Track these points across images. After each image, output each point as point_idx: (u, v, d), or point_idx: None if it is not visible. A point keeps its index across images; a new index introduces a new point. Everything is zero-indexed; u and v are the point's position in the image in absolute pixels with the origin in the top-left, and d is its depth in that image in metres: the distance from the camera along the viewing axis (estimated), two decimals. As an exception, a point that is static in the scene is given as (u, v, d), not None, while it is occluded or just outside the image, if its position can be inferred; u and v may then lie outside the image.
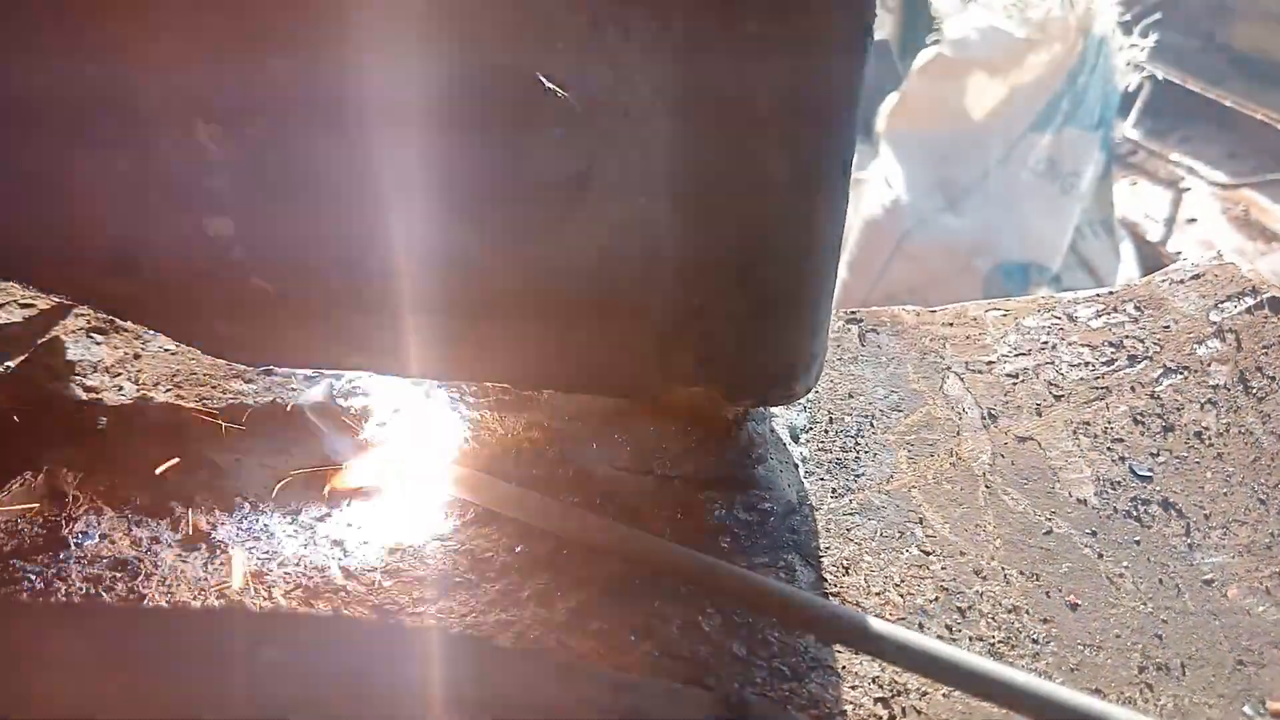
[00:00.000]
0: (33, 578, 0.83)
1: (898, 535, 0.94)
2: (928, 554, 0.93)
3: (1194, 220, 3.43)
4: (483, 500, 0.90)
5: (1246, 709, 0.83)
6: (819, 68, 0.73)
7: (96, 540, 0.87)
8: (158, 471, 0.91)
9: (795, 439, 1.03)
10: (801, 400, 1.02)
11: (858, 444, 1.02)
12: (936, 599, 0.89)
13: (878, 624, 0.78)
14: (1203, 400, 1.05)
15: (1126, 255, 3.24)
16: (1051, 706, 0.73)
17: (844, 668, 0.83)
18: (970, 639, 0.87)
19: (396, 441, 0.97)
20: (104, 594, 0.82)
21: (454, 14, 0.71)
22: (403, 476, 0.94)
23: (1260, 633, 0.88)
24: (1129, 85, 3.16)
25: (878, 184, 3.08)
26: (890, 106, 3.15)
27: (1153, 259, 3.23)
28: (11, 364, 1.00)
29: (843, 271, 3.11)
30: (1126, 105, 3.39)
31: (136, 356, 1.04)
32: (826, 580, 0.90)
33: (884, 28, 3.79)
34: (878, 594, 0.89)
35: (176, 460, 0.92)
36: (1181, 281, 1.17)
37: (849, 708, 0.81)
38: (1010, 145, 2.99)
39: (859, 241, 3.07)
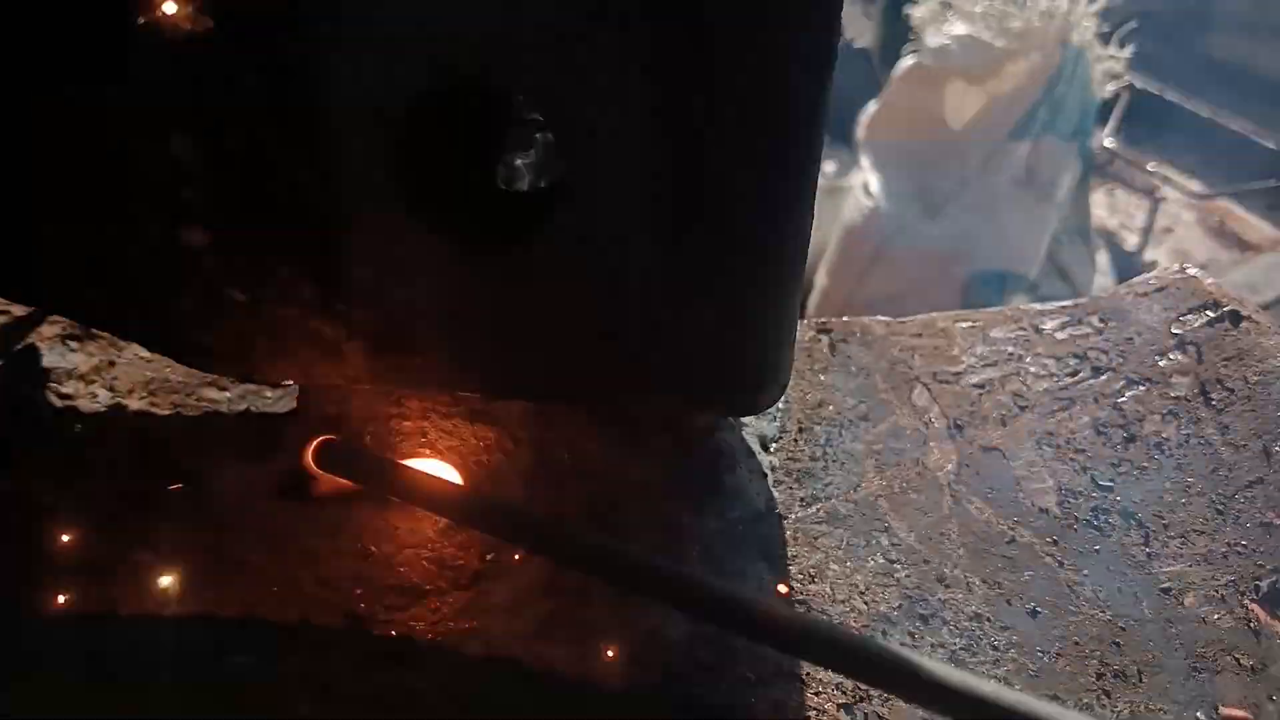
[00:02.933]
0: (4, 585, 0.84)
1: (864, 544, 0.96)
2: (893, 562, 0.94)
3: (1170, 230, 3.47)
4: (451, 514, 0.91)
5: (1200, 715, 0.85)
6: (785, 85, 0.75)
7: (70, 547, 0.88)
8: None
9: (765, 448, 1.04)
10: (772, 409, 1.04)
11: (826, 453, 1.04)
12: (900, 606, 0.91)
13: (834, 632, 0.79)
14: (1164, 411, 1.08)
15: (1103, 264, 3.28)
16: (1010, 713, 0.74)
17: (808, 674, 0.85)
18: (932, 646, 0.88)
19: (373, 451, 0.98)
20: (76, 600, 0.83)
21: (425, 31, 0.73)
22: (378, 486, 0.95)
23: (1215, 640, 0.90)
24: (1107, 95, 3.20)
25: (857, 192, 3.11)
26: (870, 115, 3.17)
27: (1129, 268, 3.27)
28: (-14, 371, 1.00)
29: (822, 278, 3.13)
30: (1104, 115, 3.43)
31: (111, 364, 1.05)
32: (793, 588, 0.92)
33: (864, 36, 3.82)
34: (842, 601, 0.91)
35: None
36: (1145, 294, 1.19)
37: (812, 713, 0.82)
38: (988, 154, 3.02)
39: (838, 249, 3.10)
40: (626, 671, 0.82)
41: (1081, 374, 1.11)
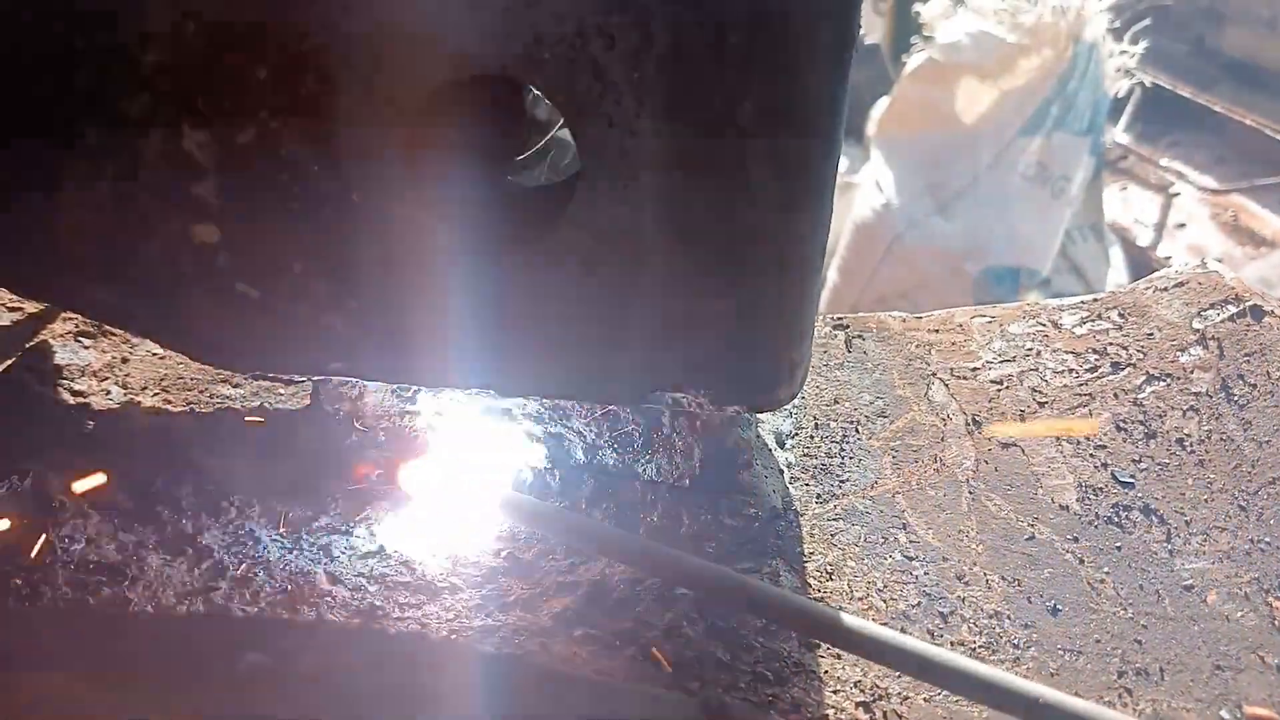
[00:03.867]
0: (19, 582, 0.84)
1: (881, 541, 0.95)
2: (911, 559, 0.94)
3: (1183, 225, 3.44)
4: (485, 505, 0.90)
5: (1223, 713, 0.84)
6: (801, 79, 0.74)
7: (83, 545, 0.87)
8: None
9: (781, 445, 1.04)
10: (788, 406, 1.03)
11: (843, 450, 1.03)
12: (919, 604, 0.90)
13: (859, 622, 0.78)
14: (1185, 407, 1.06)
15: (1116, 260, 3.26)
16: (1031, 704, 0.73)
17: (826, 672, 0.84)
18: (952, 644, 0.87)
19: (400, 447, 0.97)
20: (90, 598, 0.83)
21: (440, 24, 0.72)
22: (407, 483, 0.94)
23: (1238, 638, 0.89)
24: (1119, 90, 3.18)
25: (869, 187, 3.09)
26: (881, 110, 3.16)
27: (1142, 264, 3.25)
28: (-1, 368, 1.00)
29: (834, 275, 3.12)
30: (1116, 110, 3.40)
31: (124, 361, 1.04)
32: (810, 585, 0.91)
33: (875, 32, 3.80)
34: (860, 599, 0.90)
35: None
36: (1165, 289, 1.17)
37: (831, 711, 0.81)
38: (1000, 149, 3.00)
39: (850, 244, 3.08)
40: (643, 669, 0.81)
41: (1101, 369, 1.10)
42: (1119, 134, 3.58)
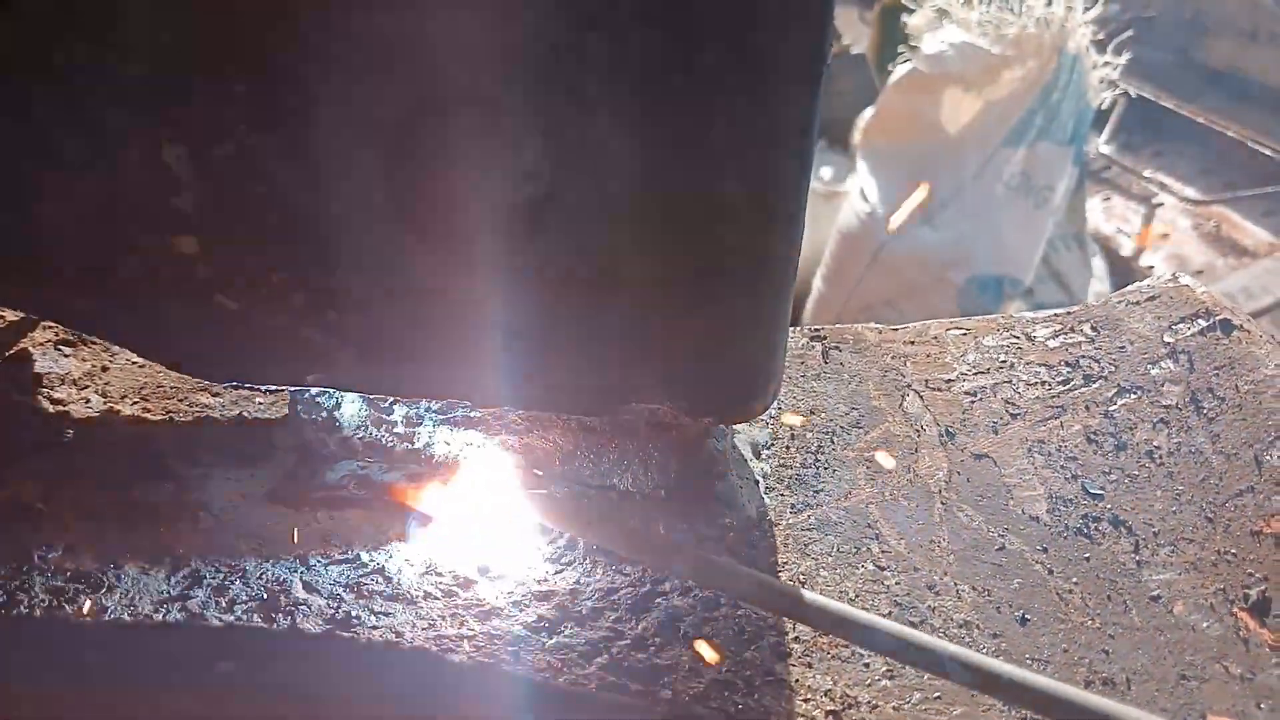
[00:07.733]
0: (-4, 590, 0.84)
1: (854, 550, 0.96)
2: (883, 569, 0.95)
3: (1166, 236, 3.47)
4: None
5: (1187, 723, 0.85)
6: (773, 95, 0.75)
7: (60, 553, 0.88)
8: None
9: (757, 455, 1.05)
10: (764, 416, 1.04)
11: (818, 460, 1.04)
12: (890, 613, 0.91)
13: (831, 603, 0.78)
14: (1155, 420, 1.08)
15: (1099, 270, 3.28)
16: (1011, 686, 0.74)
17: (796, 680, 0.85)
18: (922, 654, 0.88)
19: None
20: (66, 607, 0.83)
21: (416, 41, 0.73)
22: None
23: (1203, 648, 0.90)
24: (1102, 101, 3.20)
25: (853, 197, 3.11)
26: (867, 120, 3.18)
27: (1125, 274, 3.28)
28: (-22, 376, 1.00)
29: (818, 283, 3.14)
30: (1100, 121, 3.44)
31: (104, 369, 1.05)
32: (783, 595, 0.92)
33: (861, 42, 3.83)
34: (832, 609, 0.91)
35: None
36: (1137, 303, 1.19)
37: (801, 720, 0.83)
38: (984, 159, 3.02)
39: (835, 253, 3.10)
40: (614, 679, 0.82)
41: (1073, 382, 1.11)
42: (1102, 144, 3.61)
